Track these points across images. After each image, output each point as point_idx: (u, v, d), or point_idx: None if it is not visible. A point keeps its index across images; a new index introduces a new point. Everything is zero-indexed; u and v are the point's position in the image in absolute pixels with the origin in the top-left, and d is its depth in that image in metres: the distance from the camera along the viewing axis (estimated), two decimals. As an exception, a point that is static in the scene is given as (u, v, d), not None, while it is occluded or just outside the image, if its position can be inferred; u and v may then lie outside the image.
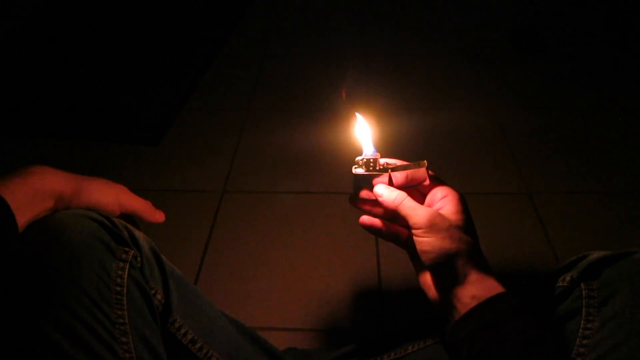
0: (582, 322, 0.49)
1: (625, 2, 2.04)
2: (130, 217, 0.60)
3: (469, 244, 0.48)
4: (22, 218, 0.47)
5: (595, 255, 0.53)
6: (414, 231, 0.49)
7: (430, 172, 0.53)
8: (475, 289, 0.47)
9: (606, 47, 1.76)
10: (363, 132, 0.55)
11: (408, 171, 0.53)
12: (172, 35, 1.94)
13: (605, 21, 1.93)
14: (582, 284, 0.51)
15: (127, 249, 0.51)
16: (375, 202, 0.54)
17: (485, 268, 0.48)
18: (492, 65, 1.69)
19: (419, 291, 0.54)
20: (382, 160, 0.54)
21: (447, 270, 0.48)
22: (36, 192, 0.49)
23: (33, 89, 1.64)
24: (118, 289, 0.48)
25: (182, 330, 0.55)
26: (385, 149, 0.55)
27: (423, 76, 1.66)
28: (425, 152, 1.31)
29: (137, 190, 0.60)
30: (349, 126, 0.56)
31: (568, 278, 0.53)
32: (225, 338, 0.59)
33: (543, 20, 1.92)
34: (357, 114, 0.56)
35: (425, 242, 0.47)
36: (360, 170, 0.54)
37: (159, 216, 0.62)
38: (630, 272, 0.50)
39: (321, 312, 0.92)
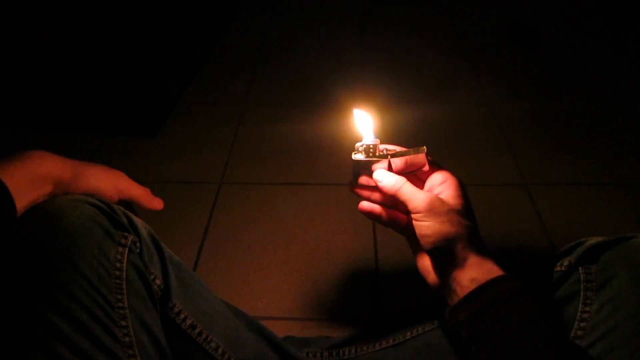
0: (580, 305, 0.50)
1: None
2: (128, 204, 0.60)
3: (468, 228, 0.48)
4: (21, 202, 0.47)
5: (593, 240, 0.54)
6: (413, 215, 0.49)
7: (429, 157, 0.53)
8: (475, 272, 0.47)
9: (602, 41, 1.76)
10: (363, 121, 0.55)
11: (407, 157, 0.53)
12: (169, 27, 1.92)
13: (601, 16, 1.94)
14: (580, 268, 0.52)
15: (126, 234, 0.51)
16: (374, 188, 0.54)
17: (484, 251, 0.48)
18: (489, 59, 1.70)
19: (417, 278, 0.54)
20: (382, 147, 0.54)
21: (446, 253, 0.48)
22: (35, 176, 0.49)
23: (30, 81, 1.63)
24: (117, 273, 0.48)
25: (182, 316, 0.55)
26: (383, 140, 0.55)
27: (420, 69, 1.66)
28: (421, 143, 1.30)
29: (135, 181, 0.60)
30: (348, 119, 0.56)
31: (566, 262, 0.54)
32: (225, 323, 0.59)
33: (539, 15, 1.93)
34: (355, 110, 0.56)
35: (424, 226, 0.48)
36: (359, 156, 0.54)
37: (157, 203, 0.62)
38: (627, 256, 0.50)
39: (319, 301, 0.93)
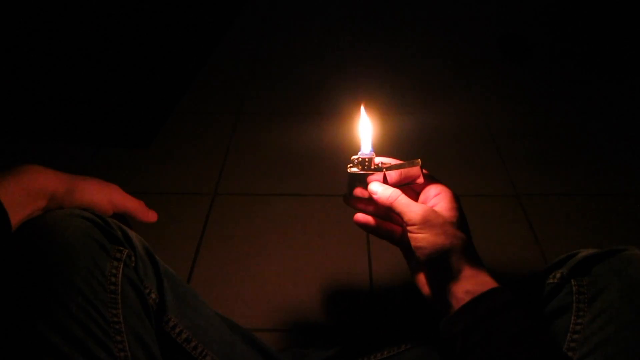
0: (573, 317, 0.50)
1: (609, 8, 2.08)
2: (122, 217, 0.60)
3: (463, 240, 0.49)
4: (15, 217, 0.47)
5: (585, 252, 0.55)
6: (408, 227, 0.49)
7: (424, 170, 0.54)
8: (469, 284, 0.47)
9: (592, 53, 1.79)
10: (364, 130, 0.56)
11: (402, 169, 0.53)
12: (163, 38, 1.93)
13: (591, 28, 1.97)
14: (572, 280, 0.53)
15: (121, 248, 0.51)
16: (369, 200, 0.55)
17: (478, 264, 0.49)
18: (480, 70, 1.72)
19: (411, 289, 0.55)
20: (377, 160, 0.55)
21: (441, 265, 0.48)
22: (29, 191, 0.49)
23: (23, 90, 1.62)
24: (112, 287, 0.48)
25: (177, 330, 0.54)
26: (378, 151, 0.56)
27: (414, 81, 1.67)
28: (414, 154, 1.31)
29: (128, 192, 0.60)
30: (348, 123, 0.57)
31: (558, 275, 0.54)
32: (220, 337, 0.58)
33: (530, 27, 1.96)
34: (362, 109, 0.56)
35: (419, 238, 0.48)
36: (355, 169, 0.54)
37: (151, 216, 0.62)
38: (619, 269, 0.51)
39: (314, 313, 0.92)
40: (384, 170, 0.53)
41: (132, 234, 0.55)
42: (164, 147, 1.38)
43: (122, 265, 0.50)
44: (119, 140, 1.39)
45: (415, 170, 0.53)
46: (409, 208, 0.49)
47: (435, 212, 0.49)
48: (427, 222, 0.48)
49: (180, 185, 1.23)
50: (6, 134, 1.44)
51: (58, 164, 0.54)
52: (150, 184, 1.24)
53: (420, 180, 0.54)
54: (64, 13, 2.05)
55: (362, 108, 0.56)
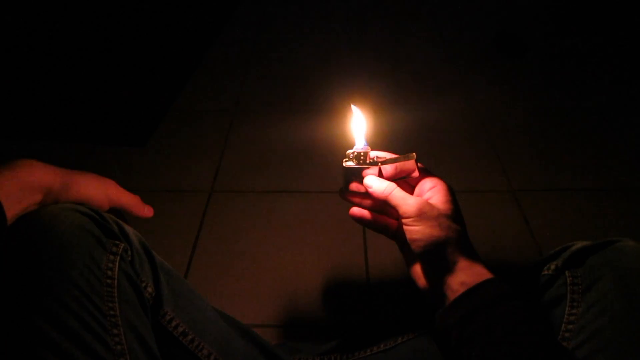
0: (567, 308, 0.51)
1: (607, 6, 2.09)
2: (118, 212, 0.60)
3: (458, 232, 0.49)
4: (11, 211, 0.47)
5: (579, 244, 0.55)
6: (403, 220, 0.49)
7: (419, 164, 0.54)
8: (465, 276, 0.47)
9: (587, 49, 1.80)
10: (357, 126, 0.56)
11: (397, 163, 0.53)
12: (159, 35, 1.93)
13: (586, 24, 1.98)
14: (566, 271, 0.53)
15: (117, 242, 0.51)
16: (365, 195, 0.55)
17: (473, 255, 0.49)
18: (477, 67, 1.72)
19: (407, 284, 0.55)
20: (372, 154, 0.55)
21: (436, 257, 0.49)
22: (24, 185, 0.49)
23: (17, 90, 1.62)
24: (109, 281, 0.48)
25: (173, 323, 0.54)
26: (373, 146, 0.56)
27: (410, 78, 1.68)
28: (410, 149, 1.31)
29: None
30: (343, 120, 0.57)
31: (553, 266, 0.55)
32: (216, 331, 0.58)
33: (525, 24, 1.96)
34: (353, 107, 0.56)
35: (415, 230, 0.48)
36: (350, 164, 0.55)
37: (147, 211, 0.62)
38: (612, 260, 0.51)
39: (310, 307, 0.93)
40: (379, 164, 0.54)
41: (128, 228, 0.55)
42: (160, 145, 1.37)
43: (118, 259, 0.50)
44: (116, 139, 1.39)
45: (410, 164, 0.54)
46: (404, 201, 0.50)
47: (430, 204, 0.49)
48: (422, 215, 0.48)
49: (177, 183, 1.23)
50: (5, 133, 1.43)
51: (55, 162, 0.53)
52: (147, 182, 1.24)
53: (416, 173, 0.54)
54: (63, 13, 2.04)
55: (353, 107, 0.56)
